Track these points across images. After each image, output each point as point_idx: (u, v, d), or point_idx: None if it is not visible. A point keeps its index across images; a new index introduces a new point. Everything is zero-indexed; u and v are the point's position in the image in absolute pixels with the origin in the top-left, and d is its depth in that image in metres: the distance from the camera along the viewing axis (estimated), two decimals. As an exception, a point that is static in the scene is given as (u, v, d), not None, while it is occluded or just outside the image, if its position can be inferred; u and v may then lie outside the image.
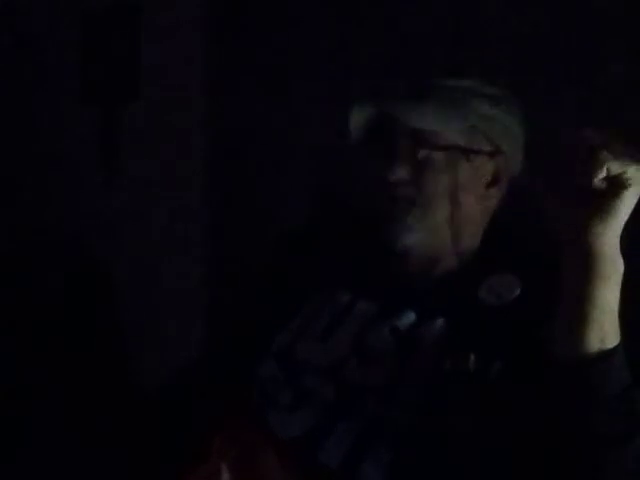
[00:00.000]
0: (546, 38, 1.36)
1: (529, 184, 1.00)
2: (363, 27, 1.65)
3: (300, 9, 1.77)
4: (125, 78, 2.20)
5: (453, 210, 0.98)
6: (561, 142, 0.69)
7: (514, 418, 0.78)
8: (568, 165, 0.68)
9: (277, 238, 1.20)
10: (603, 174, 0.66)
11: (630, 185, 0.66)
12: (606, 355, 0.71)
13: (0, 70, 2.47)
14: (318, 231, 1.15)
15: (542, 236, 0.74)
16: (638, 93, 1.26)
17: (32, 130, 2.44)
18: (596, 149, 0.66)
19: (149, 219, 2.16)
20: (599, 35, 1.30)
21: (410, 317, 0.96)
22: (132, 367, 2.14)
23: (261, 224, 1.86)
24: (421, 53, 1.52)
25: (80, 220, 2.31)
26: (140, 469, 1.12)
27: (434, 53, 1.50)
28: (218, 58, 1.95)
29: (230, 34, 1.92)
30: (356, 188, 1.12)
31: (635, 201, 0.68)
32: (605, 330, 0.71)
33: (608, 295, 0.71)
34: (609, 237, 0.68)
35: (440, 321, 0.94)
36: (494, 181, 1.01)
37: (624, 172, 0.66)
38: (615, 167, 0.66)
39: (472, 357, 0.87)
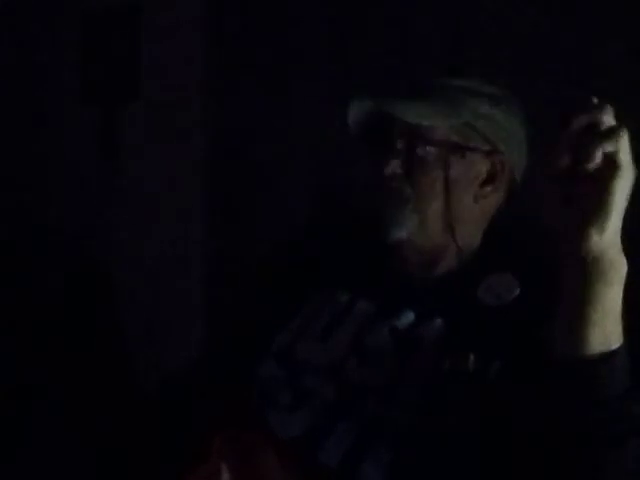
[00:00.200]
0: (546, 38, 1.36)
1: (529, 184, 1.00)
2: (363, 27, 1.65)
3: (300, 9, 1.77)
4: (125, 78, 2.20)
5: (447, 207, 0.98)
6: (559, 123, 0.69)
7: (514, 418, 0.78)
8: (564, 149, 0.68)
9: (277, 238, 1.20)
10: (599, 157, 0.65)
11: (624, 166, 0.65)
12: (608, 356, 0.71)
13: (0, 70, 2.47)
14: (318, 231, 1.16)
15: (541, 236, 0.73)
16: (638, 93, 1.26)
17: (32, 130, 2.44)
18: (591, 130, 0.66)
19: (149, 219, 2.16)
20: (599, 35, 1.30)
21: (409, 317, 0.96)
22: (132, 367, 2.14)
23: (261, 224, 1.86)
24: (421, 53, 1.52)
25: (80, 220, 2.31)
26: (140, 469, 1.12)
27: (434, 53, 1.50)
28: (218, 58, 1.95)
29: (230, 34, 1.92)
30: (356, 188, 1.12)
31: (630, 185, 0.67)
32: (607, 331, 0.71)
33: (610, 296, 0.70)
34: (608, 233, 0.68)
35: (439, 321, 0.94)
36: (489, 180, 1.01)
37: (617, 151, 0.65)
38: (610, 144, 0.65)
39: (471, 357, 0.87)
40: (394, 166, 0.98)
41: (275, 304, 1.07)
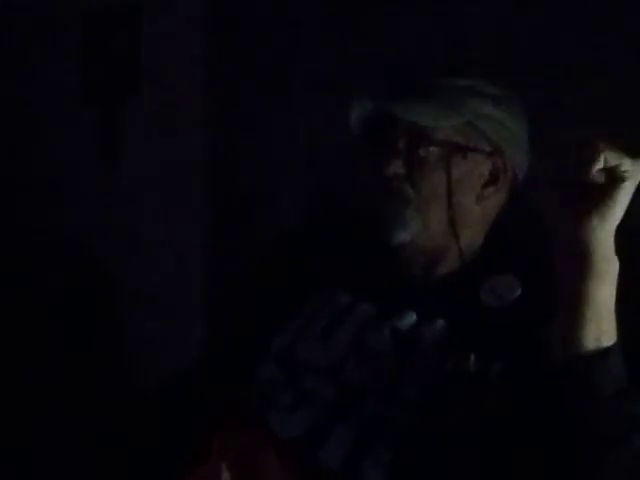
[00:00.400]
0: (546, 38, 1.36)
1: (530, 184, 1.00)
2: (363, 27, 1.65)
3: (300, 9, 1.77)
4: (125, 78, 2.20)
5: (449, 208, 0.98)
6: (560, 138, 0.70)
7: (514, 418, 0.78)
8: (566, 159, 0.69)
9: (277, 238, 1.20)
10: (600, 165, 0.66)
11: (626, 178, 0.67)
12: (603, 354, 0.72)
13: (0, 70, 2.46)
14: (318, 231, 1.15)
15: (543, 237, 0.74)
16: (638, 93, 1.26)
17: (32, 130, 2.44)
18: (591, 141, 0.67)
19: (149, 219, 2.16)
20: (599, 35, 1.30)
21: (411, 318, 0.96)
22: (132, 367, 2.14)
23: (261, 224, 1.86)
24: (421, 53, 1.52)
25: (80, 220, 2.31)
26: (140, 469, 1.12)
27: (434, 53, 1.50)
28: (218, 58, 1.95)
29: (230, 34, 1.92)
30: (356, 188, 1.12)
31: (630, 196, 0.68)
32: (602, 329, 0.72)
33: (604, 293, 0.71)
34: (604, 233, 0.69)
35: (440, 322, 0.94)
36: (492, 181, 1.01)
37: (620, 164, 0.67)
38: (612, 158, 0.67)
39: (473, 357, 0.87)
40: (396, 166, 0.98)
41: (275, 304, 1.07)
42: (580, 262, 0.70)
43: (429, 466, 0.85)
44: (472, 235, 1.02)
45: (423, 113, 0.96)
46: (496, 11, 1.43)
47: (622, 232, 0.70)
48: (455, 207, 0.98)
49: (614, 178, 0.68)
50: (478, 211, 1.01)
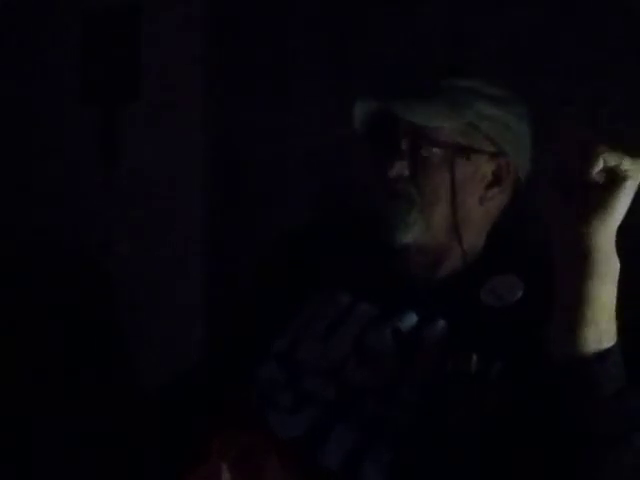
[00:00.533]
0: (546, 38, 1.36)
1: (532, 184, 1.00)
2: (363, 27, 1.65)
3: (300, 9, 1.77)
4: (125, 78, 2.20)
5: (453, 209, 0.97)
6: (560, 139, 0.70)
7: (514, 418, 0.78)
8: (566, 160, 0.69)
9: (277, 238, 1.20)
10: (600, 167, 0.66)
11: (627, 178, 0.67)
12: (603, 354, 0.71)
13: (0, 70, 2.46)
14: (318, 231, 1.15)
15: (544, 238, 0.74)
16: (638, 92, 1.26)
17: (32, 130, 2.44)
18: (590, 142, 0.67)
19: (149, 219, 2.16)
20: (599, 35, 1.30)
21: (412, 319, 0.96)
22: (132, 367, 2.14)
23: (261, 224, 1.86)
24: (421, 53, 1.52)
25: (80, 220, 2.31)
26: (140, 469, 1.12)
27: (434, 53, 1.50)
28: (218, 58, 1.95)
29: (230, 34, 1.92)
30: (356, 188, 1.12)
31: (632, 195, 0.68)
32: (602, 329, 0.71)
33: (604, 293, 0.71)
34: (605, 234, 0.69)
35: (442, 322, 0.94)
36: (495, 182, 1.00)
37: (620, 164, 0.66)
38: (611, 159, 0.66)
39: (474, 358, 0.87)
40: (400, 167, 0.97)
41: (275, 304, 1.07)
42: (580, 262, 0.70)
43: (429, 466, 0.85)
44: (475, 236, 1.02)
45: (423, 113, 0.96)
46: (496, 11, 1.43)
47: (622, 231, 0.70)
48: (458, 208, 0.97)
49: (615, 178, 0.67)
50: (481, 212, 1.01)
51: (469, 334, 0.90)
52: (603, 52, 1.30)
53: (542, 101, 1.27)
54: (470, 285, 0.96)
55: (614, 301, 0.72)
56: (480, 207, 1.00)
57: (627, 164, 0.67)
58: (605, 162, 0.67)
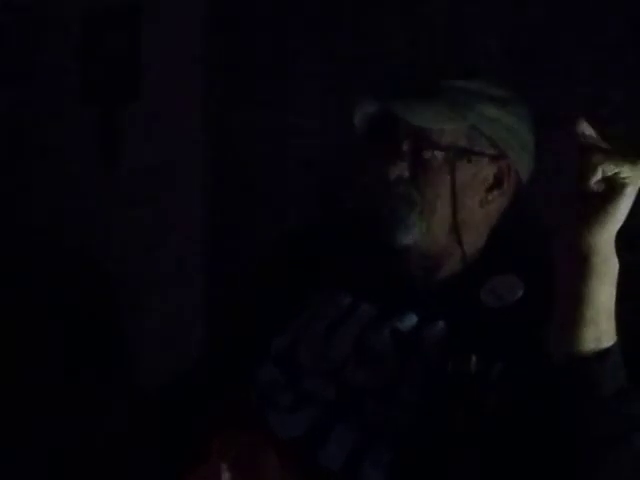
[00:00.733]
0: (546, 38, 1.36)
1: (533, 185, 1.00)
2: (363, 27, 1.65)
3: (300, 9, 1.77)
4: (125, 78, 2.20)
5: (453, 211, 0.97)
6: (552, 147, 0.70)
7: (514, 419, 0.78)
8: (564, 170, 0.69)
9: (277, 238, 1.20)
10: (598, 177, 0.66)
11: (626, 185, 0.67)
12: (602, 354, 0.72)
13: (0, 70, 2.46)
14: (318, 231, 1.15)
15: (544, 238, 0.74)
16: (638, 92, 1.26)
17: (32, 130, 2.44)
18: (588, 152, 0.67)
19: (149, 219, 2.16)
20: (599, 35, 1.30)
21: (412, 320, 0.95)
22: (132, 367, 2.14)
23: (261, 224, 1.87)
24: (421, 53, 1.52)
25: (80, 220, 2.31)
26: (140, 469, 1.12)
27: (434, 53, 1.50)
28: (218, 58, 1.96)
29: (230, 34, 1.92)
30: (356, 188, 1.12)
31: (632, 199, 0.68)
32: (601, 329, 0.71)
33: (603, 294, 0.71)
34: (605, 236, 0.69)
35: (442, 323, 0.94)
36: (496, 184, 1.00)
37: (620, 172, 0.66)
38: (609, 169, 0.66)
39: (474, 358, 0.87)
40: (401, 169, 0.96)
41: (275, 305, 1.07)
42: (580, 263, 0.70)
43: (429, 466, 0.85)
44: (475, 238, 1.01)
45: (423, 114, 0.95)
46: (496, 11, 1.43)
47: (622, 232, 0.70)
48: (459, 211, 0.97)
49: (614, 186, 0.67)
50: (482, 214, 1.00)
51: (469, 334, 0.90)
52: (603, 52, 1.30)
53: (542, 101, 1.27)
54: (470, 285, 0.96)
55: (613, 301, 0.72)
56: (480, 209, 1.00)
57: (626, 171, 0.67)
58: (604, 172, 0.66)
